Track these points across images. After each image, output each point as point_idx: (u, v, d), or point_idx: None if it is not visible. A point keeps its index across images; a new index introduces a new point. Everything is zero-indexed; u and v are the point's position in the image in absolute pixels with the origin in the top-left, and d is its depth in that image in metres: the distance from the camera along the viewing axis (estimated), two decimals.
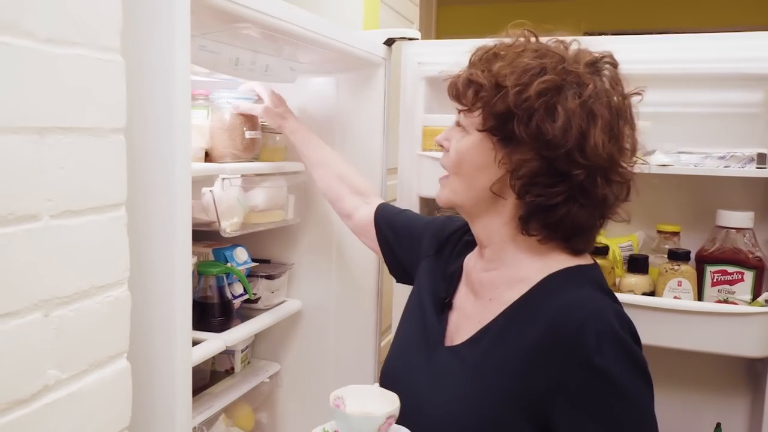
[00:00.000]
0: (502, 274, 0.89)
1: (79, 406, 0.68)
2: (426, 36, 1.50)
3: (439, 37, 4.10)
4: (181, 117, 0.84)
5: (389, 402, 0.80)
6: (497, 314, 0.86)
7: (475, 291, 0.93)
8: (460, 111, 0.88)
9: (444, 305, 0.95)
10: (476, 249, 0.98)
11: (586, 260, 0.88)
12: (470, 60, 0.88)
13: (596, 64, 0.84)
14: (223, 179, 1.23)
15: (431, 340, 0.92)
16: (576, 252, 0.87)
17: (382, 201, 1.25)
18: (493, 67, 0.83)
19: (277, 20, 1.03)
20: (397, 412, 0.79)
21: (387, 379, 0.93)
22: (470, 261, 0.98)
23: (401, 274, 1.18)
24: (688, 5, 4.48)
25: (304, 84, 1.45)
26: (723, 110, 1.24)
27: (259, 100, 1.31)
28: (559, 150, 0.79)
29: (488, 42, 0.89)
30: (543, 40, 0.89)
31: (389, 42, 1.46)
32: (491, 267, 0.91)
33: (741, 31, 1.19)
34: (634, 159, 0.86)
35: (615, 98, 0.83)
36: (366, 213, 1.22)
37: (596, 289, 0.84)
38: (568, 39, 0.87)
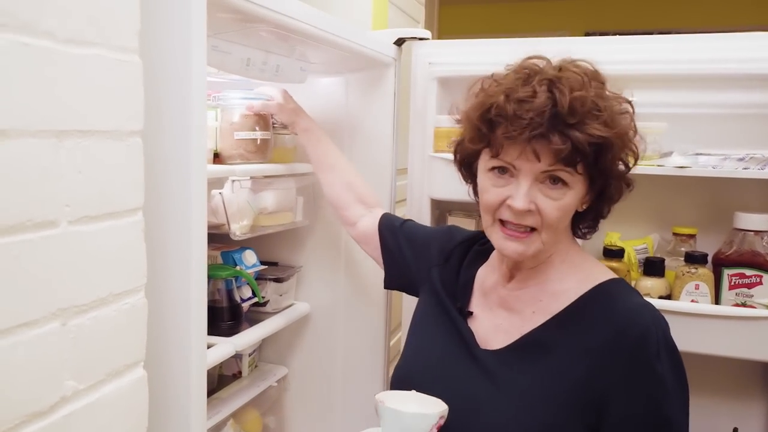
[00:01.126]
0: (544, 289, 0.91)
1: (96, 417, 0.66)
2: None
3: (440, 36, 4.09)
4: (197, 119, 0.82)
5: (435, 403, 0.80)
6: (540, 323, 0.88)
7: (509, 306, 0.93)
8: (558, 169, 0.82)
9: (464, 314, 0.96)
10: (490, 265, 0.99)
11: (611, 272, 0.93)
12: (546, 114, 0.80)
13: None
14: (233, 181, 1.21)
15: (468, 344, 0.93)
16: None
17: (385, 211, 1.27)
18: (616, 122, 0.84)
19: (290, 19, 1.01)
20: (446, 413, 0.79)
21: (425, 379, 0.92)
22: (488, 277, 0.99)
23: (401, 282, 1.19)
24: (689, 5, 4.48)
25: (314, 85, 1.43)
26: (742, 111, 1.23)
27: (271, 101, 1.30)
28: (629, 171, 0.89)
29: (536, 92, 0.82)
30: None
31: (399, 42, 1.44)
32: (530, 284, 0.92)
33: (747, 31, 1.17)
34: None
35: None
36: (369, 222, 1.23)
37: (642, 296, 0.90)
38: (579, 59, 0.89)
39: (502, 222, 0.86)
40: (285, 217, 1.39)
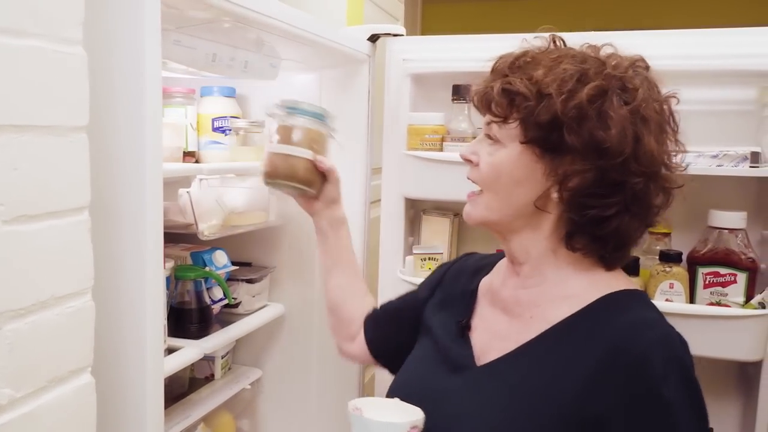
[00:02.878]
0: (544, 291, 0.84)
1: (36, 426, 0.63)
2: (411, 33, 1.46)
3: (424, 34, 4.06)
4: (150, 114, 0.79)
5: (412, 412, 0.76)
6: (541, 332, 0.81)
7: (509, 309, 0.87)
8: (490, 122, 0.83)
9: (463, 328, 0.90)
10: (499, 267, 0.94)
11: (632, 283, 0.85)
12: (495, 68, 0.84)
13: (634, 67, 0.81)
14: (201, 180, 1.19)
15: (459, 364, 0.86)
16: (610, 266, 0.83)
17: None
18: (533, 74, 0.78)
19: (257, 14, 0.99)
20: (421, 424, 0.75)
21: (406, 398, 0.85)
22: (495, 280, 0.94)
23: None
24: (673, 4, 4.50)
25: (286, 81, 1.40)
26: (715, 108, 1.21)
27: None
28: (615, 158, 0.76)
29: (512, 50, 0.85)
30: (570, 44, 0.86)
31: (373, 38, 1.42)
32: (530, 284, 0.85)
33: (727, 27, 1.16)
34: (682, 164, 0.84)
35: (657, 101, 0.81)
36: (361, 340, 1.11)
37: (659, 314, 0.80)
38: (599, 43, 0.84)
39: None
40: (257, 216, 1.36)
